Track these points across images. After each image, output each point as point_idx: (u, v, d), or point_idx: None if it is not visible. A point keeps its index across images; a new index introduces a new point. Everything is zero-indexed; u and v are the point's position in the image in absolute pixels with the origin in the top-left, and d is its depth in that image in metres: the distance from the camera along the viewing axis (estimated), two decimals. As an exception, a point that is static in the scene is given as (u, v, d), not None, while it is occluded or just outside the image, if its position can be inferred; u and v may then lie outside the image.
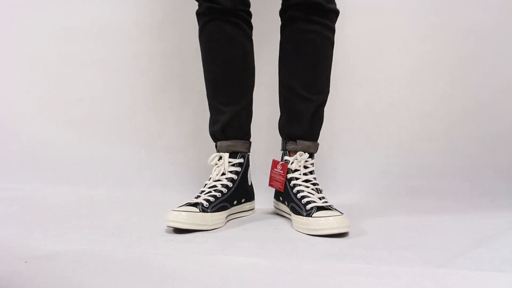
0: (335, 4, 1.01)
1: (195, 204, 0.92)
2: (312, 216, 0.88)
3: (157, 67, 1.51)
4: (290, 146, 1.04)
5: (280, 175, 1.02)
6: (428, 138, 1.41)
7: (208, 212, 0.92)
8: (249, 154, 1.08)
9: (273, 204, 1.12)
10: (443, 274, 0.62)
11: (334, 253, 0.74)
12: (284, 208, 1.03)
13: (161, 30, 1.50)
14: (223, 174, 1.02)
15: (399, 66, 1.42)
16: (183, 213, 0.88)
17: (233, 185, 1.01)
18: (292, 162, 1.01)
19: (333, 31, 1.02)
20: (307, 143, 1.02)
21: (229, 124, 1.04)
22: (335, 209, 0.91)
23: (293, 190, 0.98)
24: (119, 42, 1.52)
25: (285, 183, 1.01)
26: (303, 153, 1.01)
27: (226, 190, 0.99)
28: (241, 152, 1.05)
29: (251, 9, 1.07)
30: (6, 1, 1.61)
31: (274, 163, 1.04)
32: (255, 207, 1.13)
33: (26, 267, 0.62)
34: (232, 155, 1.04)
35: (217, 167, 1.02)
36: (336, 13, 1.01)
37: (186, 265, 0.66)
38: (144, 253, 0.72)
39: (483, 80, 1.39)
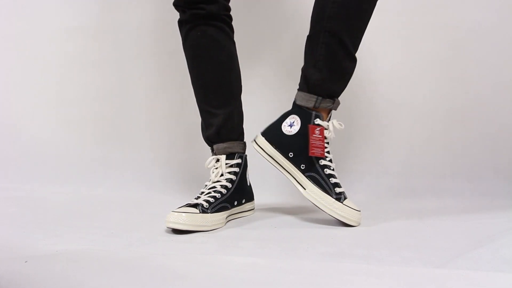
0: None
1: (195, 205, 0.92)
2: (343, 202, 0.94)
3: (157, 67, 1.51)
4: (326, 103, 0.98)
5: (319, 140, 0.97)
6: (428, 138, 1.41)
7: (208, 212, 0.92)
8: (246, 155, 1.09)
9: (255, 145, 1.04)
10: (443, 274, 0.62)
11: (334, 253, 0.74)
12: (284, 161, 0.99)
13: (161, 30, 1.50)
14: (222, 175, 1.02)
15: (399, 66, 1.42)
16: (183, 214, 0.88)
17: (232, 185, 1.01)
18: (330, 132, 0.98)
19: None
20: (338, 101, 1.01)
21: (223, 126, 1.05)
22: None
23: (320, 162, 0.97)
24: (119, 42, 1.52)
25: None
26: (340, 124, 0.99)
27: (226, 191, 0.99)
28: (238, 153, 1.06)
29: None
30: (6, 1, 1.61)
31: (312, 129, 0.97)
32: (255, 207, 1.13)
33: (26, 267, 0.62)
34: (229, 156, 1.04)
35: (215, 169, 1.03)
36: None
37: (186, 265, 0.66)
38: (144, 253, 0.72)
39: (483, 80, 1.39)
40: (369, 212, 1.11)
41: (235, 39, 1.10)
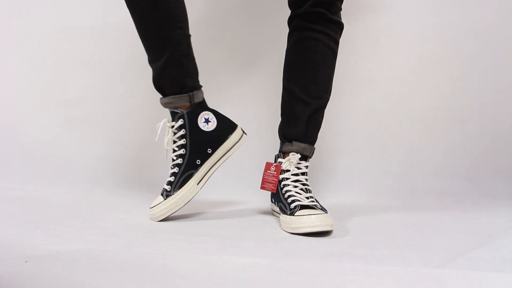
0: (339, 16, 1.03)
1: (162, 192, 1.00)
2: (295, 214, 0.89)
3: (157, 67, 1.51)
4: (286, 147, 1.04)
5: (273, 176, 1.02)
6: (428, 138, 1.41)
7: (172, 194, 0.98)
8: (193, 105, 1.00)
9: (270, 206, 1.12)
10: (443, 274, 0.62)
11: (334, 253, 0.74)
12: (276, 208, 1.04)
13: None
14: (174, 141, 1.01)
15: (399, 66, 1.42)
16: (161, 206, 0.97)
17: (186, 151, 0.99)
18: (284, 163, 1.02)
19: (335, 41, 1.04)
20: (302, 145, 1.03)
21: (160, 81, 0.99)
22: (321, 208, 0.91)
23: (282, 190, 0.99)
24: (119, 42, 1.52)
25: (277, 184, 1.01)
26: (295, 154, 1.01)
27: (182, 160, 0.99)
28: (178, 113, 0.99)
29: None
30: (6, 1, 1.61)
31: (268, 166, 1.04)
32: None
33: (26, 267, 0.62)
34: (172, 115, 1.00)
35: (164, 136, 1.01)
36: (339, 25, 1.03)
37: (186, 265, 0.66)
38: (144, 253, 0.72)
39: (483, 80, 1.40)
40: (370, 212, 1.11)
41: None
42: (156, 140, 1.02)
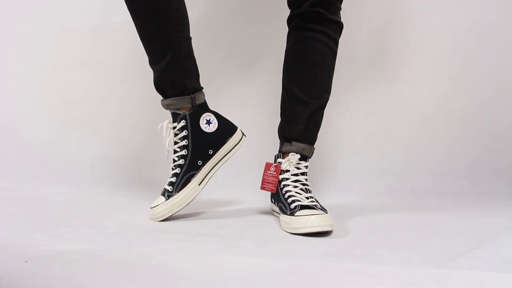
0: (338, 16, 1.03)
1: (163, 192, 1.00)
2: (295, 214, 0.90)
3: (157, 67, 1.51)
4: (285, 147, 1.04)
5: (273, 176, 1.02)
6: (428, 138, 1.41)
7: (173, 195, 0.99)
8: (196, 107, 1.01)
9: (270, 206, 1.12)
10: (443, 274, 0.62)
11: (334, 253, 0.74)
12: (276, 208, 1.04)
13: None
14: (176, 142, 1.01)
15: (399, 66, 1.42)
16: (163, 206, 0.98)
17: (188, 151, 1.00)
18: (284, 163, 1.02)
19: (335, 41, 1.04)
20: (301, 145, 1.02)
21: (161, 83, 0.99)
22: (321, 208, 0.91)
23: (282, 190, 0.99)
24: (119, 42, 1.52)
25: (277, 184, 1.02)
26: (295, 154, 1.01)
27: (183, 160, 1.00)
28: (180, 114, 1.00)
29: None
30: (6, 1, 1.61)
31: (267, 166, 1.04)
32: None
33: (26, 267, 0.62)
34: (174, 117, 1.01)
35: (165, 137, 1.01)
36: (338, 24, 1.03)
37: (186, 265, 0.66)
38: (144, 253, 0.72)
39: (483, 80, 1.40)
40: (369, 212, 1.11)
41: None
42: (163, 143, 1.02)
